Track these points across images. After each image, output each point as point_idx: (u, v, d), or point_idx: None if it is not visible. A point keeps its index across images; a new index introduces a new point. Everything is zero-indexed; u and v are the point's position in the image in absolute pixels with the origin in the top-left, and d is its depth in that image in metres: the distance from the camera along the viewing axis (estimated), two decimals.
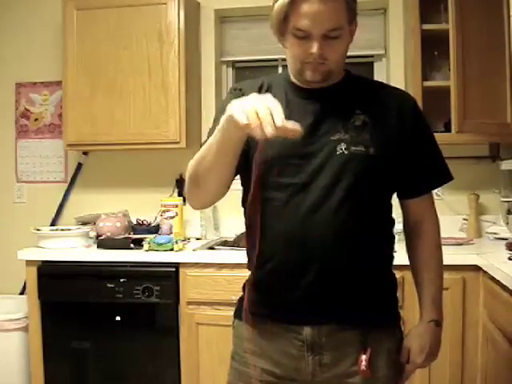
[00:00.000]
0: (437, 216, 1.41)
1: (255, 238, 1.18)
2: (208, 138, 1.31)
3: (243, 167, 1.25)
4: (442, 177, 1.37)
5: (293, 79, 1.33)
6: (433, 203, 1.40)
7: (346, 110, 1.27)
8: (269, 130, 0.99)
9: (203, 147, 1.27)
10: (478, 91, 2.34)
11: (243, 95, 1.25)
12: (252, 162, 1.17)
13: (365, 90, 1.34)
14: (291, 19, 1.20)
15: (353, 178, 1.23)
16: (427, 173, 1.35)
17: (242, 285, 1.41)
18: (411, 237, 1.41)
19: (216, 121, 1.29)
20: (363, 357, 1.23)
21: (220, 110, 1.32)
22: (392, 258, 1.36)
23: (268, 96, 1.05)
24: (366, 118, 1.26)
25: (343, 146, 1.24)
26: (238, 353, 1.36)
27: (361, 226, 1.25)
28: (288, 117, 1.26)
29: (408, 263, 1.43)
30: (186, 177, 1.30)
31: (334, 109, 1.28)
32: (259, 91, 1.32)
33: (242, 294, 1.39)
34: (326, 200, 1.22)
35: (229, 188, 1.28)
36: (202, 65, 3.13)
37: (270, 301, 1.28)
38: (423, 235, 1.39)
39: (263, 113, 1.00)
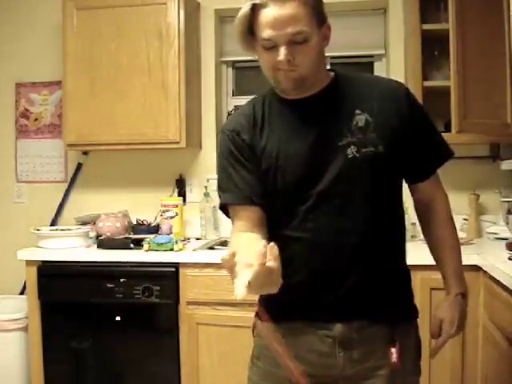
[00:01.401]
0: (445, 193, 1.44)
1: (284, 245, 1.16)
2: (227, 193, 1.33)
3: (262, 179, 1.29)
4: (445, 154, 1.40)
5: (279, 93, 1.33)
6: (439, 180, 1.43)
7: (346, 112, 1.28)
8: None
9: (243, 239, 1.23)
10: (477, 91, 2.33)
11: (238, 135, 1.31)
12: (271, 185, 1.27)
13: (357, 87, 1.33)
14: (256, 31, 1.21)
15: (369, 178, 1.25)
16: (431, 155, 1.37)
17: None
18: (425, 216, 1.45)
19: (222, 171, 1.34)
20: (393, 349, 1.27)
21: (221, 156, 1.35)
22: (405, 251, 1.40)
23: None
24: (367, 117, 1.27)
25: (353, 149, 1.25)
26: (263, 353, 1.36)
27: (383, 223, 1.29)
28: (292, 135, 1.28)
29: (414, 263, 1.47)
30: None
31: (334, 113, 1.28)
32: (254, 124, 1.32)
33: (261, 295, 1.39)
34: (348, 204, 1.25)
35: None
36: (202, 65, 3.13)
37: (301, 302, 1.30)
38: (436, 213, 1.42)
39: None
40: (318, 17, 1.22)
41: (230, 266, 0.97)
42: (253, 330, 1.42)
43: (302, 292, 1.28)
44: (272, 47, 1.20)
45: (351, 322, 1.27)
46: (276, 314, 1.31)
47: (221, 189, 1.35)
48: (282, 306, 1.29)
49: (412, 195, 1.44)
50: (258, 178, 1.30)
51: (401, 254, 1.37)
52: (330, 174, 1.25)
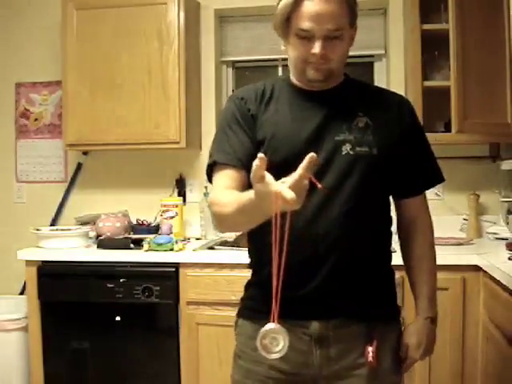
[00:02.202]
0: (430, 215, 1.45)
1: (263, 237, 1.17)
2: (217, 152, 1.33)
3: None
4: (436, 178, 1.43)
5: (295, 81, 1.36)
6: (426, 203, 1.44)
7: (349, 112, 1.32)
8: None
9: (226, 197, 1.23)
10: (478, 91, 2.34)
11: (245, 103, 1.32)
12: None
13: (364, 93, 1.38)
14: (294, 20, 1.23)
15: (358, 177, 1.27)
16: (422, 174, 1.41)
17: (242, 285, 1.41)
18: (405, 235, 1.46)
19: (222, 132, 1.34)
20: (370, 348, 1.27)
21: (225, 119, 1.36)
22: (391, 253, 1.40)
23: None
24: (368, 120, 1.31)
25: (348, 146, 1.28)
26: (244, 351, 1.37)
27: (365, 223, 1.29)
28: (294, 119, 1.30)
29: (402, 261, 1.47)
30: (212, 212, 1.29)
31: (337, 110, 1.31)
32: (262, 97, 1.35)
33: (243, 294, 1.41)
34: (333, 199, 1.26)
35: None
36: (202, 65, 3.13)
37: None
38: (417, 234, 1.43)
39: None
40: (352, 16, 1.27)
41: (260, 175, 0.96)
42: (235, 329, 1.43)
43: (272, 285, 1.25)
44: (306, 38, 1.23)
45: (328, 319, 1.28)
46: (256, 313, 1.30)
47: (214, 148, 1.35)
48: (261, 303, 1.27)
49: (396, 213, 1.45)
50: (252, 146, 1.31)
51: (383, 256, 1.38)
52: (321, 167, 1.25)
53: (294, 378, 1.30)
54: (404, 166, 1.36)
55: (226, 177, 1.30)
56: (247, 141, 1.32)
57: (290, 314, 1.24)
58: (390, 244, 1.40)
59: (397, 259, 1.45)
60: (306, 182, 0.98)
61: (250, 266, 1.42)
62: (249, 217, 1.14)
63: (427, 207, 1.45)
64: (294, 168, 1.24)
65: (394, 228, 1.44)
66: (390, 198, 1.41)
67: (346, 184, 1.26)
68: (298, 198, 0.95)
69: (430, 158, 1.42)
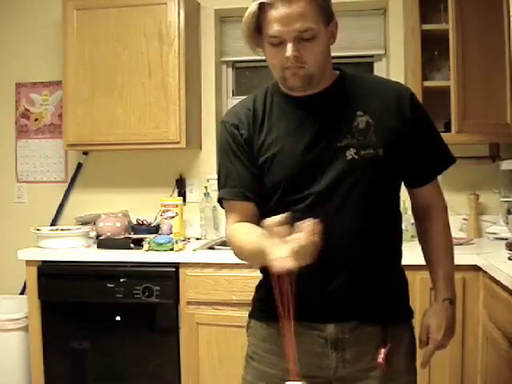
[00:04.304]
0: (443, 198, 1.44)
1: None
2: (224, 189, 1.37)
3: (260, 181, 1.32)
4: (446, 161, 1.40)
5: (283, 89, 1.33)
6: (439, 186, 1.42)
7: (347, 113, 1.27)
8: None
9: (240, 239, 1.31)
10: (478, 91, 2.34)
11: (238, 130, 1.32)
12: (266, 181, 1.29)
13: (361, 88, 1.32)
14: (263, 29, 1.21)
15: (367, 181, 1.25)
16: (432, 160, 1.37)
17: (243, 285, 1.41)
18: (422, 221, 1.44)
19: (221, 164, 1.37)
20: (382, 350, 1.27)
21: (220, 150, 1.38)
22: (401, 252, 1.39)
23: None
24: (368, 119, 1.26)
25: (352, 151, 1.25)
26: (257, 353, 1.36)
27: (378, 225, 1.28)
28: (290, 132, 1.28)
29: (413, 263, 1.48)
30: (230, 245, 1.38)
31: (335, 113, 1.28)
32: (254, 118, 1.32)
33: (255, 294, 1.42)
34: (345, 206, 1.24)
35: None
36: (202, 65, 3.13)
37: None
38: (433, 218, 1.42)
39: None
40: (326, 14, 1.23)
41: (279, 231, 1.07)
42: (247, 329, 1.42)
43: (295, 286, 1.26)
44: (279, 44, 1.21)
45: (343, 322, 1.27)
46: (270, 314, 1.29)
47: (219, 183, 1.38)
48: (274, 305, 1.29)
49: (410, 199, 1.44)
50: (253, 173, 1.31)
51: (395, 256, 1.36)
52: (328, 176, 1.24)
53: (309, 381, 1.27)
54: (413, 157, 1.32)
55: (234, 212, 1.35)
56: (246, 172, 1.31)
57: (304, 317, 1.25)
58: (401, 242, 1.38)
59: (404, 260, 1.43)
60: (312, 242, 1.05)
61: (261, 268, 1.40)
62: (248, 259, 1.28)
63: (441, 193, 1.43)
64: (300, 179, 1.26)
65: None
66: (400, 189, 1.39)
67: (355, 189, 1.24)
68: (304, 256, 1.04)
69: (437, 142, 1.38)
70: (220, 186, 1.38)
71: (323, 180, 1.25)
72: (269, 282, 1.33)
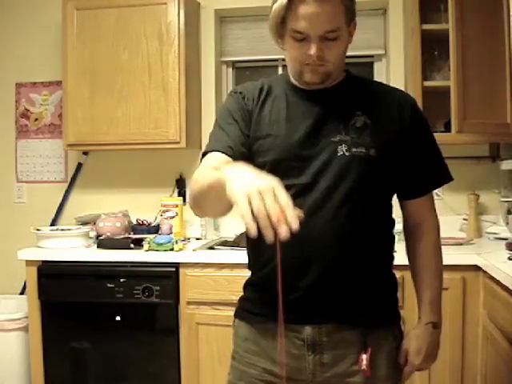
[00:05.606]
0: (437, 217, 1.41)
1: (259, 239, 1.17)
2: (210, 143, 1.32)
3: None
4: (442, 177, 1.38)
5: (293, 81, 1.34)
6: (433, 204, 1.40)
7: (347, 111, 1.28)
8: (283, 234, 0.88)
9: (202, 172, 1.21)
10: (477, 91, 2.33)
11: (243, 99, 1.31)
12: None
13: (365, 90, 1.34)
14: (289, 21, 1.21)
15: (354, 179, 1.23)
16: (427, 174, 1.35)
17: (242, 285, 1.41)
18: (411, 238, 1.41)
19: (217, 125, 1.34)
20: (364, 356, 1.24)
21: (221, 113, 1.36)
22: (392, 258, 1.37)
23: (269, 179, 0.95)
24: (366, 120, 1.27)
25: (344, 147, 1.24)
26: (238, 352, 1.36)
27: (361, 226, 1.25)
28: (289, 119, 1.28)
29: (408, 263, 1.43)
30: (189, 190, 1.31)
31: (335, 110, 1.28)
32: (259, 94, 1.33)
33: (242, 294, 1.40)
34: (327, 201, 1.23)
35: (230, 211, 1.16)
36: (202, 65, 3.13)
37: (270, 300, 1.28)
38: (423, 237, 1.39)
39: (272, 208, 0.89)
40: (349, 15, 1.24)
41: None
42: (233, 328, 1.41)
43: (268, 287, 1.21)
44: (302, 40, 1.21)
45: (322, 325, 1.25)
46: (251, 314, 1.30)
47: (209, 141, 1.33)
48: (258, 305, 1.28)
49: (402, 214, 1.41)
50: (245, 140, 1.29)
51: (382, 259, 1.33)
52: (314, 168, 1.24)
53: (287, 383, 1.27)
54: (407, 166, 1.31)
55: (212, 158, 1.27)
56: (240, 134, 1.29)
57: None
58: (390, 247, 1.35)
59: (396, 259, 1.41)
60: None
61: (248, 266, 1.41)
62: (211, 197, 1.10)
63: (434, 208, 1.40)
64: (288, 167, 1.24)
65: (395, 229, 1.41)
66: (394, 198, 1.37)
67: (341, 186, 1.22)
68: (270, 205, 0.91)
69: (435, 157, 1.36)
70: (209, 141, 1.33)
71: (309, 172, 1.24)
72: (256, 280, 1.32)
